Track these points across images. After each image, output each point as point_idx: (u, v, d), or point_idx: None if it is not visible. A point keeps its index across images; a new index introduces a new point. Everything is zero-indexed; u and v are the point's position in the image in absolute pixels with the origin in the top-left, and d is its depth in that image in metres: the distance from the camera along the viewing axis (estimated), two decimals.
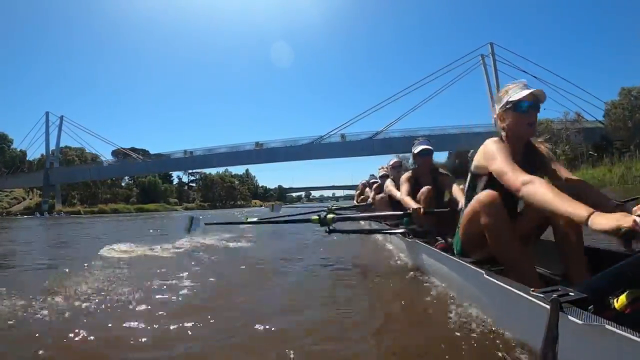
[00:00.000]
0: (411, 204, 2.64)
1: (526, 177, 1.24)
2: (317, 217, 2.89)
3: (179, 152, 44.71)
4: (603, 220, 0.93)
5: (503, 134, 1.57)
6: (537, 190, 1.17)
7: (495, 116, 1.61)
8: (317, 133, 37.16)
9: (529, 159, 1.55)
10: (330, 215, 2.87)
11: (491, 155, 1.46)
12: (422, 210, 2.55)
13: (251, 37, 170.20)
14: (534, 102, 1.48)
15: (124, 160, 47.01)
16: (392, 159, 4.32)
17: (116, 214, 38.11)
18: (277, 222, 3.75)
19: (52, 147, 46.58)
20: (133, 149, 49.71)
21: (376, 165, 5.57)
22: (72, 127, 46.63)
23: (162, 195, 57.57)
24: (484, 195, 1.44)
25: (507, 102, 1.51)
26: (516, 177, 1.29)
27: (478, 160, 1.58)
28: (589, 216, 0.96)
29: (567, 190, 1.22)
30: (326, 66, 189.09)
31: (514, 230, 1.43)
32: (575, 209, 1.01)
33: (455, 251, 1.81)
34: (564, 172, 1.52)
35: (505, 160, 1.38)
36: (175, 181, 68.87)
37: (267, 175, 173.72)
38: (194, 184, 69.62)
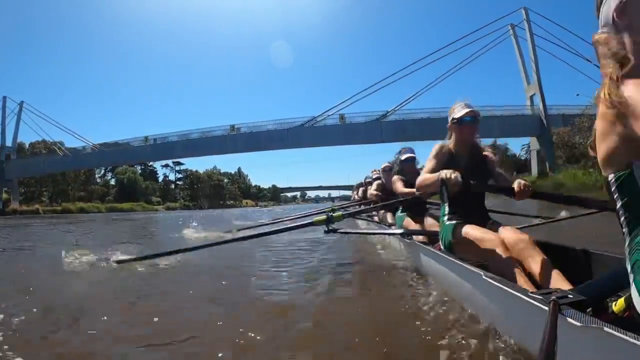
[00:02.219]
0: (413, 190, 3.10)
1: (426, 170, 2.11)
2: (322, 217, 2.87)
3: (138, 139, 38.21)
4: (440, 175, 1.86)
5: (452, 141, 2.18)
6: (421, 177, 2.08)
7: (448, 127, 2.19)
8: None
9: (475, 161, 2.14)
10: (336, 214, 2.91)
11: (429, 155, 2.16)
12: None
13: (249, 37, 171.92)
14: (472, 117, 2.08)
15: (77, 150, 40.03)
16: (383, 163, 4.85)
17: (83, 213, 36.43)
18: (277, 232, 3.25)
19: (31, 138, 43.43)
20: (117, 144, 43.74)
21: (380, 160, 5.63)
22: (48, 123, 42.19)
23: (142, 194, 54.28)
24: (487, 239, 1.74)
25: (453, 119, 2.13)
26: (423, 171, 2.14)
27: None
28: (439, 174, 1.88)
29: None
30: (327, 65, 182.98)
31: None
32: (436, 175, 1.93)
33: (441, 242, 2.08)
34: (499, 174, 2.15)
35: (427, 162, 2.15)
36: (161, 178, 63.00)
37: (261, 175, 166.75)
38: (180, 182, 64.86)
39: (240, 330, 1.56)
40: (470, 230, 1.84)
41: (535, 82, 27.89)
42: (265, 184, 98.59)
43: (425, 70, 29.98)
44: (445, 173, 1.80)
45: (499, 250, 1.63)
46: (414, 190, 2.86)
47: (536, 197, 1.93)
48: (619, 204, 0.86)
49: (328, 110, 30.66)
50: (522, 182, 1.84)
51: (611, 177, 0.86)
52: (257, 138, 32.55)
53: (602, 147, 0.85)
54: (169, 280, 2.77)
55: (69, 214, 34.75)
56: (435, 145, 2.16)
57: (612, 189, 0.86)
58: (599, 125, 0.86)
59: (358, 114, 30.58)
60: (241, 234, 4.06)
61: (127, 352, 1.41)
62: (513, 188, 1.83)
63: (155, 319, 1.74)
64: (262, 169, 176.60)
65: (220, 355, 1.35)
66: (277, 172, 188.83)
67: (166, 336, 1.54)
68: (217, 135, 34.08)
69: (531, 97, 28.86)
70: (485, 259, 1.68)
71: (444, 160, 2.08)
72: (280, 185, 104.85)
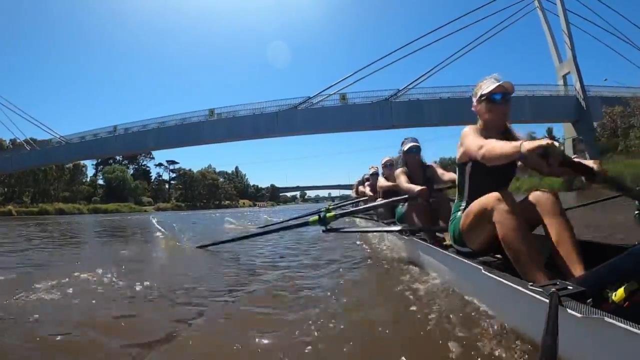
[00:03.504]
0: (415, 187, 3.05)
1: (481, 141, 1.62)
2: (315, 217, 3.04)
3: (105, 129, 34.60)
4: (531, 144, 1.31)
5: (480, 123, 1.88)
6: (488, 147, 1.54)
7: (473, 108, 1.92)
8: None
9: None
10: (329, 214, 3.01)
11: (463, 138, 1.80)
12: (424, 191, 2.94)
13: (247, 37, 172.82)
14: (503, 93, 1.77)
15: (44, 144, 36.51)
16: (384, 157, 4.85)
17: (62, 215, 34.17)
18: (273, 232, 4.00)
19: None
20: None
21: (381, 156, 5.13)
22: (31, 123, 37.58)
23: (132, 194, 52.79)
24: (494, 196, 1.59)
25: (481, 95, 1.82)
26: (475, 146, 1.62)
27: (458, 148, 1.88)
28: (521, 144, 1.34)
29: None
30: (324, 65, 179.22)
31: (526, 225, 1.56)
32: (513, 145, 1.40)
33: (451, 239, 1.95)
34: None
35: (471, 138, 1.72)
36: (154, 177, 60.24)
37: (260, 174, 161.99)
38: (174, 181, 60.90)
39: (243, 323, 1.67)
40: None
41: (570, 58, 25.31)
42: (264, 184, 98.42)
43: (441, 47, 25.97)
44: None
45: (509, 213, 1.50)
46: (421, 187, 2.93)
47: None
48: None
49: (327, 89, 26.10)
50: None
51: None
52: (240, 124, 28.00)
53: None
54: None
55: (46, 215, 33.34)
56: (467, 128, 1.86)
57: None
58: None
59: (363, 93, 26.32)
60: (245, 232, 4.81)
61: None
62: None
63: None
64: (261, 166, 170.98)
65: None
66: (276, 171, 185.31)
67: None
68: (194, 123, 29.53)
69: (564, 77, 25.53)
70: (494, 229, 1.56)
71: None
72: (279, 184, 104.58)
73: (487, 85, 1.76)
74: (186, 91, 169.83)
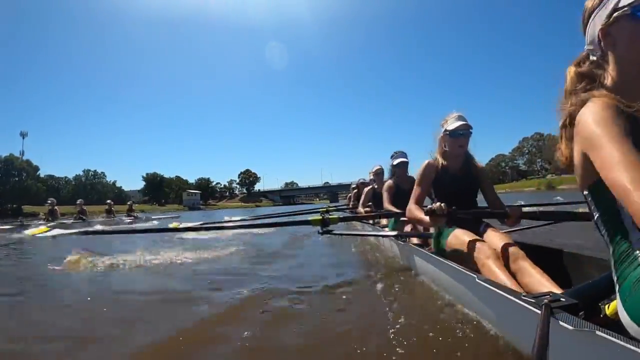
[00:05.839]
0: (393, 209, 3.41)
1: (416, 196, 2.18)
2: (317, 217, 2.97)
3: None
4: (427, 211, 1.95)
5: (441, 151, 2.26)
6: (412, 210, 2.12)
7: (439, 139, 2.27)
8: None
9: (464, 172, 2.25)
10: (332, 216, 3.00)
11: (417, 174, 2.28)
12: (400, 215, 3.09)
13: (245, 38, 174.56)
14: (465, 130, 2.17)
15: None
16: (374, 165, 5.13)
17: None
18: (270, 225, 3.80)
19: None
20: None
21: (372, 164, 5.52)
22: None
23: None
24: (472, 245, 1.82)
25: (446, 130, 2.20)
26: (412, 197, 2.19)
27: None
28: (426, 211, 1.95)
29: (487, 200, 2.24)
30: (321, 65, 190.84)
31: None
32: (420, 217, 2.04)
33: (435, 248, 2.22)
34: (489, 186, 2.28)
35: (415, 188, 2.21)
36: None
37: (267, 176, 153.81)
38: None
39: (250, 327, 1.75)
40: (461, 236, 1.94)
41: None
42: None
43: None
44: (431, 208, 1.94)
45: (490, 261, 1.67)
46: (400, 212, 3.03)
47: (525, 217, 2.07)
48: (596, 216, 0.93)
49: None
50: (514, 206, 2.03)
51: (586, 192, 0.93)
52: None
53: (575, 164, 0.91)
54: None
55: None
56: (422, 165, 2.27)
57: (589, 201, 0.94)
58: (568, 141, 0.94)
59: None
60: (240, 222, 4.77)
61: None
62: (504, 212, 1.99)
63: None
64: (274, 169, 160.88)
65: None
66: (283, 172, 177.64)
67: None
68: None
69: None
70: (476, 267, 1.72)
71: (432, 177, 2.24)
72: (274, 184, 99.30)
73: (452, 122, 2.14)
74: (184, 91, 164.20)
